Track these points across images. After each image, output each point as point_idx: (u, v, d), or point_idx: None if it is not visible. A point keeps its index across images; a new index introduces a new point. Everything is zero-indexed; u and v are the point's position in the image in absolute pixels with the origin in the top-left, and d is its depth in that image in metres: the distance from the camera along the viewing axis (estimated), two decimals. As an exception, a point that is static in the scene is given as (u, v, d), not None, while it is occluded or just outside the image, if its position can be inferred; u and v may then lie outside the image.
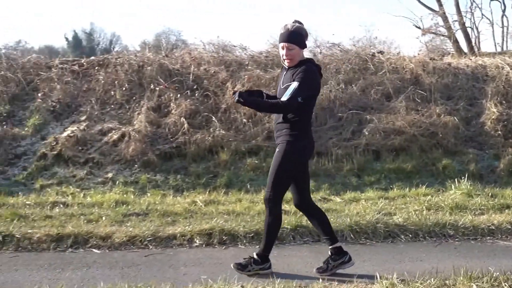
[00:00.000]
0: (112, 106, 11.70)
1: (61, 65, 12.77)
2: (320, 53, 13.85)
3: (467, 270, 5.21)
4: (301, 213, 7.65)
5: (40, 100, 11.74)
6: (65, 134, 10.79)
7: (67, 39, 59.34)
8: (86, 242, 6.72)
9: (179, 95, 11.54)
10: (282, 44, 5.41)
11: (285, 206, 8.06)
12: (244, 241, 6.78)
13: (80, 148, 10.52)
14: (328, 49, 14.01)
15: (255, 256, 5.63)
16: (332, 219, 7.25)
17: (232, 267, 5.62)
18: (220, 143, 10.53)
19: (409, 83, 12.45)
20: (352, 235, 6.97)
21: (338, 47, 13.98)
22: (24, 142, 10.75)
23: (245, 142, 10.48)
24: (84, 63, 12.91)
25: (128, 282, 5.16)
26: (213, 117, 11.04)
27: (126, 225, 7.30)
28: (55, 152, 10.36)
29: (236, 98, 5.12)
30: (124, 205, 8.42)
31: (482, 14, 26.01)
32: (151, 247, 6.66)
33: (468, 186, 9.30)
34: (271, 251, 5.76)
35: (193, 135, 10.62)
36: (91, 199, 8.90)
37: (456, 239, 7.05)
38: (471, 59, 14.44)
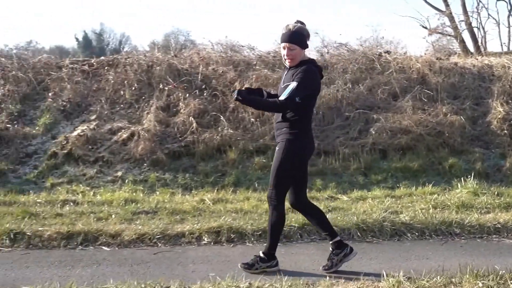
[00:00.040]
0: (122, 105, 11.73)
1: (72, 65, 12.79)
2: (328, 53, 13.84)
3: (473, 268, 5.19)
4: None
5: (50, 100, 11.78)
6: (75, 133, 10.82)
7: (77, 39, 59.42)
8: (96, 240, 6.73)
9: (187, 95, 11.55)
10: (283, 44, 5.41)
11: (292, 205, 8.09)
12: (252, 239, 6.78)
13: (90, 147, 10.55)
14: (335, 49, 14.00)
15: (261, 255, 5.63)
16: (339, 218, 7.30)
17: (240, 267, 5.63)
18: (228, 142, 10.53)
19: (415, 82, 12.42)
20: (359, 233, 6.96)
21: (345, 47, 13.96)
22: (35, 141, 10.78)
23: (253, 141, 10.49)
24: (94, 63, 12.93)
25: (137, 279, 5.18)
26: (221, 116, 11.04)
27: (135, 223, 7.32)
28: (65, 151, 10.39)
29: (235, 97, 5.14)
30: (134, 203, 8.44)
31: (489, 14, 25.96)
32: (160, 244, 6.67)
33: (474, 185, 9.27)
34: (279, 249, 5.77)
35: (202, 134, 10.63)
36: (101, 197, 8.93)
37: (462, 238, 7.03)
38: (477, 59, 14.39)
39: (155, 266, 5.89)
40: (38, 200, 8.65)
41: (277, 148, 5.52)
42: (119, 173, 9.98)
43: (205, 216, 7.73)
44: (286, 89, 5.28)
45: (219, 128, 10.81)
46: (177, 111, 11.34)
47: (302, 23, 5.50)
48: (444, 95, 12.14)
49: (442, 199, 8.59)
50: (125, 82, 12.10)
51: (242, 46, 13.74)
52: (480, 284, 4.88)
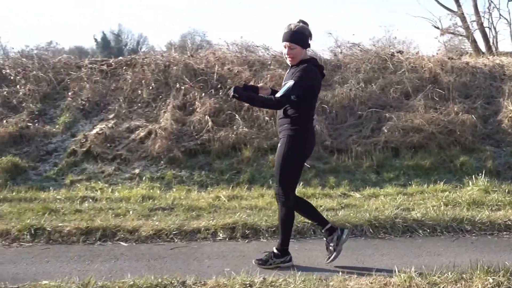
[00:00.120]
0: (139, 104, 11.77)
1: (90, 65, 12.85)
2: (341, 53, 13.83)
3: (484, 264, 5.16)
4: (321, 207, 7.70)
5: (70, 99, 11.84)
6: (94, 131, 10.87)
7: (96, 40, 59.63)
8: (114, 235, 6.76)
9: (203, 94, 11.57)
10: (284, 43, 5.43)
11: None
12: (266, 235, 6.77)
13: (108, 145, 10.60)
14: (348, 49, 13.98)
15: (275, 250, 5.64)
16: (351, 214, 7.29)
17: (254, 263, 5.65)
18: (243, 140, 10.54)
19: (427, 82, 12.38)
20: (371, 230, 6.94)
21: (358, 47, 13.93)
22: (55, 139, 10.84)
23: (267, 139, 10.48)
24: (112, 63, 12.99)
25: (154, 274, 5.18)
26: (237, 115, 11.05)
27: (152, 219, 7.34)
28: (84, 149, 10.45)
29: (232, 94, 5.16)
30: (151, 200, 8.47)
31: (500, 14, 25.85)
32: (176, 240, 6.68)
33: (485, 183, 9.22)
34: (292, 245, 5.78)
35: (217, 132, 10.65)
36: (119, 194, 8.97)
37: (473, 234, 6.99)
38: (488, 59, 14.33)
39: (171, 261, 5.92)
40: (58, 197, 8.71)
41: (279, 145, 5.55)
42: (137, 171, 10.02)
43: (221, 212, 7.74)
44: (283, 87, 5.35)
45: (234, 126, 10.82)
46: (193, 110, 11.36)
47: (304, 22, 5.52)
48: (456, 94, 12.08)
49: (454, 196, 8.54)
50: (143, 81, 12.14)
51: (257, 46, 13.75)
52: (491, 280, 4.86)
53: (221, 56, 12.99)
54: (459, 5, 23.11)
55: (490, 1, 23.87)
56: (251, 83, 11.47)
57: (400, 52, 13.75)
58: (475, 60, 14.12)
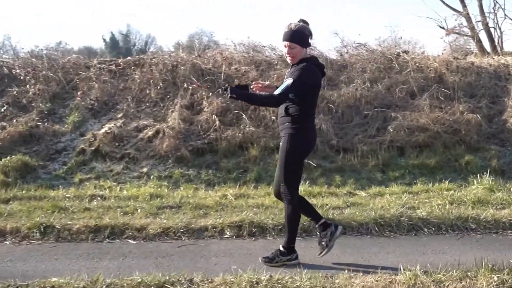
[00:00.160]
0: (147, 104, 11.79)
1: (99, 65, 12.89)
2: (347, 52, 13.82)
3: (489, 262, 5.17)
4: (327, 206, 7.69)
5: (79, 99, 11.87)
6: (102, 130, 10.89)
7: (104, 40, 59.73)
8: (122, 233, 6.78)
9: (211, 94, 11.58)
10: (284, 42, 5.45)
11: (311, 201, 8.08)
12: (273, 233, 6.78)
13: (116, 144, 10.61)
14: (354, 49, 13.97)
15: (281, 248, 5.65)
16: (357, 213, 7.29)
17: (260, 260, 5.66)
18: (250, 140, 10.54)
19: (433, 81, 12.36)
20: (376, 228, 6.93)
21: (364, 47, 13.92)
22: (64, 138, 10.87)
23: (274, 139, 10.46)
24: (121, 63, 13.02)
25: (162, 271, 5.20)
26: (243, 114, 11.05)
27: (160, 217, 7.35)
28: (93, 148, 10.46)
29: (229, 95, 5.16)
30: (158, 198, 8.48)
31: (505, 15, 25.67)
32: (184, 238, 6.69)
33: (490, 182, 9.20)
34: (299, 243, 5.79)
35: (224, 131, 10.65)
36: (127, 192, 8.98)
37: (478, 233, 6.97)
38: (493, 58, 14.30)
39: (179, 258, 5.93)
40: (67, 195, 8.73)
41: (281, 143, 5.57)
42: (145, 169, 10.03)
43: (228, 210, 7.74)
44: (282, 84, 5.37)
45: (241, 126, 10.82)
46: (201, 110, 11.37)
47: (305, 22, 5.53)
48: (461, 93, 12.06)
49: (458, 195, 8.52)
50: (151, 81, 12.16)
51: (264, 47, 13.75)
52: (495, 278, 4.85)
53: (228, 56, 13.00)
54: (464, 6, 23.03)
55: (495, 2, 23.76)
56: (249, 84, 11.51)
57: (406, 52, 13.73)
58: (480, 60, 14.09)
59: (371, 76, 12.37)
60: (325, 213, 7.18)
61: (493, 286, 4.76)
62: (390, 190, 9.11)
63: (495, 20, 23.37)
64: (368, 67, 12.67)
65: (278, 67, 12.31)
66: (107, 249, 6.29)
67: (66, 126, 11.15)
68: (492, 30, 22.73)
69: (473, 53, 17.41)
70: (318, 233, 5.84)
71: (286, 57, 5.56)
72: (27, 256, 6.03)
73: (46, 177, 9.83)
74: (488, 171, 9.70)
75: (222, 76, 12.09)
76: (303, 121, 5.43)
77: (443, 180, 9.55)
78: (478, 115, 11.29)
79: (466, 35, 23.21)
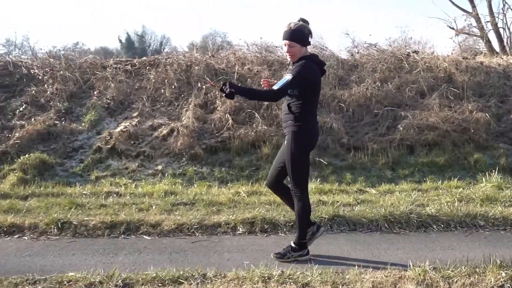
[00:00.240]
0: (162, 103, 11.82)
1: (115, 65, 12.94)
2: (358, 53, 13.80)
3: (497, 258, 5.16)
4: (338, 203, 7.68)
5: (95, 98, 11.92)
6: (118, 129, 10.93)
7: (120, 41, 59.63)
8: (137, 229, 6.80)
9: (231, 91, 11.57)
10: (284, 41, 5.48)
11: (322, 197, 8.08)
12: (284, 229, 6.78)
13: (132, 142, 10.65)
14: (365, 49, 13.94)
15: (292, 244, 5.65)
16: (367, 210, 7.28)
17: (272, 256, 5.67)
18: (262, 138, 10.54)
19: (442, 81, 12.32)
20: (386, 225, 6.91)
21: (375, 47, 13.89)
22: (81, 137, 10.91)
23: (286, 137, 10.47)
24: (136, 63, 13.05)
25: (176, 267, 5.22)
26: (256, 113, 11.06)
27: (174, 214, 7.37)
28: (109, 146, 10.51)
29: (228, 89, 5.17)
30: (173, 195, 8.49)
31: (514, 15, 25.64)
32: (197, 234, 6.70)
33: (499, 179, 9.17)
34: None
35: (237, 130, 10.66)
36: (142, 189, 9.00)
37: (486, 229, 6.94)
38: (502, 58, 14.25)
39: (192, 254, 5.94)
40: (83, 192, 8.77)
41: (285, 142, 5.59)
42: (159, 167, 10.05)
43: (240, 207, 7.74)
44: (281, 80, 5.40)
45: (254, 124, 10.82)
46: (214, 109, 11.39)
47: (305, 21, 5.54)
48: (470, 93, 12.02)
49: (467, 192, 8.49)
50: (165, 81, 12.19)
51: (276, 47, 13.74)
52: (503, 274, 4.84)
53: (241, 56, 13.02)
54: (474, 6, 22.99)
55: (504, 2, 23.75)
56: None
57: (416, 52, 13.69)
58: (489, 60, 14.03)
59: (381, 76, 12.34)
60: (336, 210, 7.18)
61: (501, 282, 4.75)
62: (400, 187, 9.09)
63: (504, 21, 23.36)
64: (378, 67, 12.64)
65: (290, 67, 12.27)
66: (122, 245, 6.31)
67: (83, 124, 11.20)
68: (501, 30, 22.70)
69: (482, 53, 17.38)
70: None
71: (286, 55, 5.61)
72: (45, 251, 6.07)
73: (64, 174, 9.88)
74: (497, 169, 9.68)
75: (235, 76, 12.10)
76: (305, 118, 5.44)
77: (452, 178, 9.52)
78: (487, 114, 11.24)
79: (476, 35, 23.16)
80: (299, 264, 5.44)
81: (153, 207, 7.76)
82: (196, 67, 12.45)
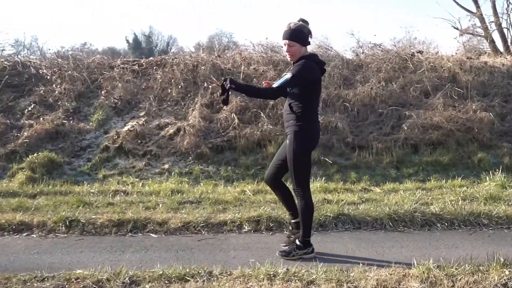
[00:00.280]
0: (169, 102, 11.83)
1: (123, 65, 12.96)
2: (363, 53, 13.80)
3: (500, 256, 5.15)
4: (343, 201, 7.67)
5: (103, 97, 11.95)
6: (125, 128, 10.95)
7: (128, 41, 59.69)
8: (144, 227, 6.80)
9: (230, 93, 11.57)
10: (284, 41, 5.49)
11: (327, 196, 8.07)
12: (290, 227, 6.78)
13: (139, 141, 10.67)
14: (370, 49, 13.94)
15: (297, 242, 5.65)
16: (372, 208, 7.26)
17: (278, 254, 5.67)
18: (267, 137, 10.54)
19: (446, 81, 12.30)
20: (390, 223, 6.90)
21: (379, 47, 13.88)
22: (88, 136, 10.94)
23: (291, 136, 10.47)
24: (143, 63, 13.08)
25: (182, 264, 5.23)
26: (262, 113, 11.06)
27: (181, 212, 7.37)
28: (116, 145, 10.53)
29: (228, 85, 5.17)
30: (179, 194, 8.50)
31: (518, 16, 25.55)
32: (203, 232, 6.69)
33: (502, 178, 9.15)
34: (315, 238, 5.78)
35: (243, 129, 10.67)
36: (149, 188, 9.02)
37: (490, 228, 6.92)
38: (506, 58, 14.22)
39: (199, 252, 5.94)
40: (91, 190, 8.79)
41: (287, 141, 5.58)
42: (166, 166, 10.07)
43: (246, 206, 7.74)
44: (281, 78, 5.45)
45: (259, 123, 10.83)
46: (220, 108, 11.39)
47: (304, 21, 5.55)
48: (474, 92, 12.00)
49: (471, 191, 8.47)
50: (172, 81, 12.20)
51: (282, 47, 13.73)
52: (507, 272, 4.83)
53: (247, 56, 13.04)
54: (478, 6, 22.88)
55: (508, 3, 23.59)
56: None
57: (420, 52, 13.68)
58: (493, 60, 14.01)
59: (386, 76, 12.34)
60: (340, 209, 7.16)
61: (504, 280, 4.74)
62: (404, 186, 9.08)
63: (508, 21, 23.19)
64: (383, 67, 12.63)
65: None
66: (129, 243, 6.32)
67: (90, 124, 11.23)
68: (505, 30, 22.57)
69: (486, 53, 17.30)
70: (290, 228, 6.03)
71: (286, 55, 5.62)
72: (53, 249, 6.07)
73: (71, 173, 9.90)
74: (500, 168, 9.67)
75: (241, 76, 12.11)
76: (306, 118, 5.45)
77: (456, 177, 9.52)
78: (490, 114, 11.22)
79: (480, 36, 23.08)
80: (304, 262, 5.43)
81: (160, 205, 7.76)
82: (203, 67, 12.47)
